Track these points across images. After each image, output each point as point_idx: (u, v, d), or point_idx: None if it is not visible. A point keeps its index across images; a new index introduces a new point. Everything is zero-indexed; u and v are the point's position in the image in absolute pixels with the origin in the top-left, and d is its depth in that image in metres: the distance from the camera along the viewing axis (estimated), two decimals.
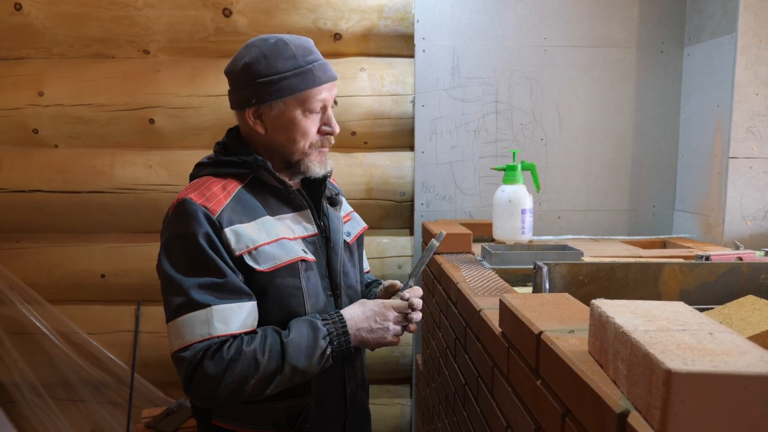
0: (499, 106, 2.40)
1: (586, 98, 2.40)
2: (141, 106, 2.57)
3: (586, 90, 2.39)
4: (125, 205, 2.59)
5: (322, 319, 1.25)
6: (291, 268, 1.26)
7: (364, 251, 1.62)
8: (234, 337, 1.18)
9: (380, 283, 1.53)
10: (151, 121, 2.57)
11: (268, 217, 1.29)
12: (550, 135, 2.41)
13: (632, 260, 1.51)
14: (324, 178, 1.38)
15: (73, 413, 2.70)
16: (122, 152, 2.63)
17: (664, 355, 0.54)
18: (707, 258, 1.49)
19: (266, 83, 1.27)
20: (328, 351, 1.22)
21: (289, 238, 1.29)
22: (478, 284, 1.45)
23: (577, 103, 2.40)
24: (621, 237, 2.34)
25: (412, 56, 2.43)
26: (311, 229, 1.35)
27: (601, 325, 0.70)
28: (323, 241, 1.37)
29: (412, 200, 2.52)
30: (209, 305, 1.17)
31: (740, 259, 1.52)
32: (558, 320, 0.89)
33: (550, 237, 2.33)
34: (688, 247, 2.08)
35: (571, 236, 2.34)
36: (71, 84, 2.58)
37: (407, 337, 2.67)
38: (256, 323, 1.24)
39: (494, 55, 2.37)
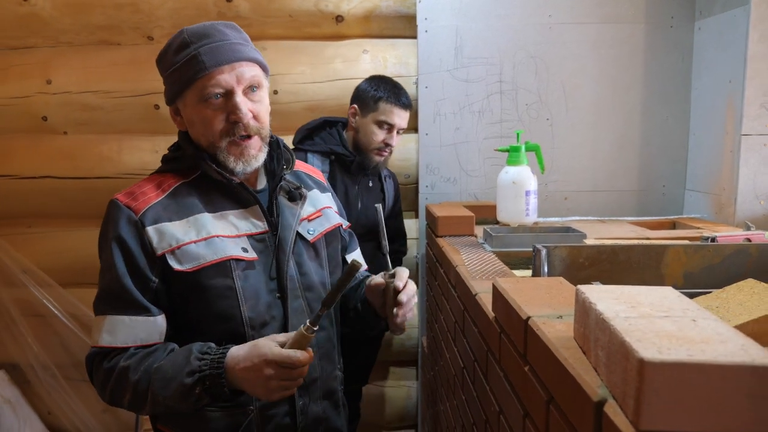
0: (503, 86, 2.36)
1: (593, 76, 2.35)
2: (146, 92, 2.58)
3: (593, 68, 2.34)
4: None
5: (202, 354, 1.14)
6: (220, 268, 1.20)
7: (357, 249, 1.57)
8: (121, 349, 1.16)
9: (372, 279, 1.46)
10: (156, 106, 2.58)
11: (205, 214, 1.23)
12: (556, 115, 2.37)
13: (635, 242, 1.48)
14: (274, 170, 1.33)
15: (85, 393, 2.76)
16: (129, 138, 2.64)
17: (639, 344, 0.53)
18: (713, 239, 1.46)
19: (166, 78, 1.25)
20: (197, 390, 1.11)
21: (224, 236, 1.22)
22: (477, 267, 1.43)
23: (584, 82, 2.35)
24: (629, 218, 2.31)
25: (415, 37, 2.40)
26: (260, 225, 1.27)
27: (584, 312, 0.69)
28: (274, 238, 1.29)
29: (417, 182, 2.51)
30: (104, 314, 1.18)
31: (748, 240, 1.49)
32: (548, 305, 0.88)
33: (557, 218, 2.30)
34: (698, 228, 2.04)
35: (577, 218, 2.31)
36: (78, 71, 2.60)
37: (413, 320, 2.67)
38: (154, 337, 1.19)
39: (498, 35, 2.33)
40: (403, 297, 1.27)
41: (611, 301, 0.66)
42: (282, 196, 1.33)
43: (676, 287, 1.41)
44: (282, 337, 1.15)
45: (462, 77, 2.37)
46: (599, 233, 1.95)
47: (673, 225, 2.22)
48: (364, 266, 1.56)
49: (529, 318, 0.83)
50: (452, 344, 1.58)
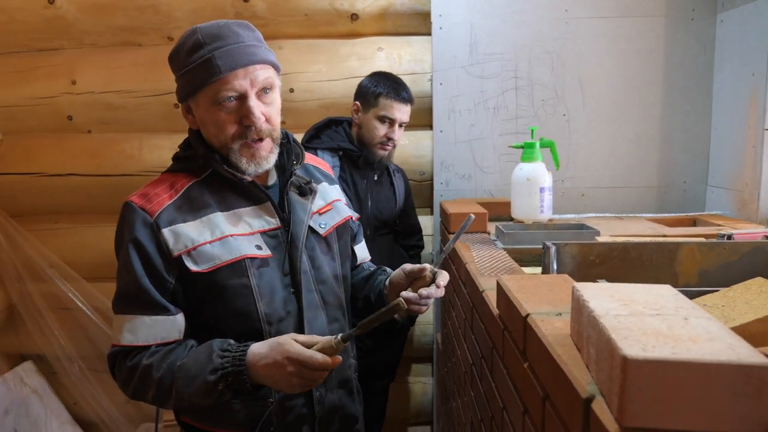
0: (518, 82, 2.34)
1: (612, 71, 2.32)
2: (166, 92, 2.62)
3: (611, 63, 2.31)
4: None
5: (223, 352, 1.16)
6: (235, 267, 1.21)
7: (362, 240, 1.58)
8: (142, 347, 1.19)
9: (385, 271, 1.48)
10: (176, 105, 2.62)
11: (218, 213, 1.24)
12: (572, 110, 2.35)
13: (647, 239, 1.47)
14: (284, 167, 1.34)
15: (109, 384, 2.82)
16: (149, 136, 2.69)
17: (624, 341, 0.53)
18: (729, 237, 1.44)
19: (179, 78, 1.25)
20: (220, 386, 1.14)
21: (237, 235, 1.23)
22: (487, 264, 1.43)
23: (602, 77, 2.32)
24: (649, 214, 2.28)
25: (429, 34, 2.40)
26: (273, 222, 1.28)
27: (578, 309, 0.69)
28: (287, 234, 1.29)
29: (432, 179, 2.51)
30: (124, 314, 1.20)
31: (767, 237, 1.46)
32: (549, 302, 0.88)
33: (573, 215, 2.28)
34: (719, 225, 2.00)
35: (594, 214, 2.29)
36: (101, 72, 2.65)
37: (428, 317, 2.67)
38: (175, 335, 1.21)
39: (513, 30, 2.31)
40: (423, 292, 1.25)
41: (605, 298, 0.66)
42: (293, 191, 1.33)
43: (689, 285, 1.41)
44: (302, 337, 1.16)
45: (477, 73, 2.36)
46: (615, 230, 1.92)
47: (694, 222, 2.19)
48: (368, 257, 1.58)
49: (528, 315, 0.83)
50: (462, 341, 1.58)
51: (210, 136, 1.24)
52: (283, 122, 2.63)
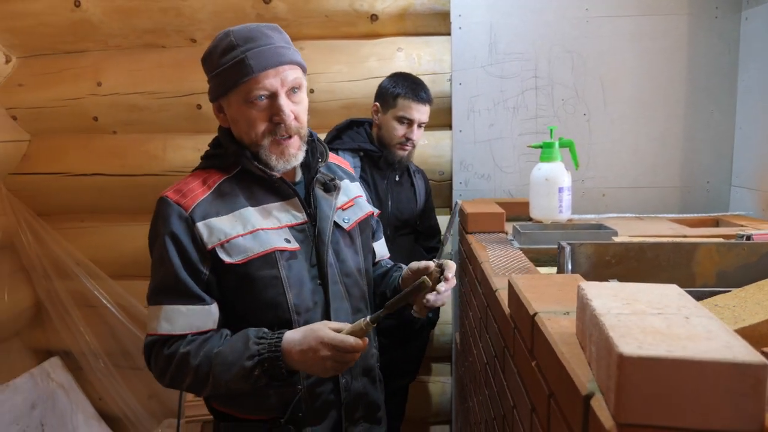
0: (538, 81, 2.33)
1: (634, 70, 2.29)
2: (189, 93, 2.66)
3: (633, 61, 2.28)
4: None
5: (259, 339, 1.21)
6: (266, 259, 1.26)
7: (382, 238, 1.62)
8: (179, 336, 1.22)
9: (400, 267, 1.51)
10: (199, 106, 2.66)
11: (249, 208, 1.29)
12: (593, 110, 2.33)
13: (664, 240, 1.45)
14: (309, 164, 1.38)
15: (132, 380, 2.90)
16: (173, 137, 2.74)
17: (622, 339, 0.53)
18: (748, 237, 1.42)
19: (212, 78, 1.30)
20: (256, 372, 1.19)
21: (267, 229, 1.28)
22: (502, 264, 1.43)
23: (624, 76, 2.30)
24: (670, 215, 2.25)
25: (449, 34, 2.40)
26: (300, 216, 1.33)
27: (582, 308, 0.69)
28: (313, 228, 1.34)
29: (451, 179, 2.51)
30: (161, 305, 1.24)
31: None
32: (558, 302, 0.88)
33: (593, 215, 2.26)
34: (742, 225, 1.97)
35: (615, 214, 2.27)
36: (126, 73, 2.71)
37: (446, 316, 2.67)
38: (210, 325, 1.26)
39: (533, 30, 2.30)
40: (441, 287, 1.29)
41: (609, 297, 0.66)
42: (318, 187, 1.38)
43: (706, 286, 1.39)
44: (335, 324, 1.21)
45: (496, 73, 2.36)
46: (634, 231, 1.91)
47: (716, 222, 2.16)
48: (386, 255, 1.63)
49: (536, 314, 0.84)
50: (478, 340, 1.58)
51: (241, 133, 1.29)
52: None
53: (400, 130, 2.15)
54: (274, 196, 1.33)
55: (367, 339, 1.18)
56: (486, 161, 2.43)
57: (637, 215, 2.25)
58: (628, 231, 1.89)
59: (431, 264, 1.34)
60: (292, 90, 1.28)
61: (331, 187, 1.40)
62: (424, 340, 2.49)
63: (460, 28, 2.35)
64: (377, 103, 2.21)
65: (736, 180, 2.30)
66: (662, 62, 2.28)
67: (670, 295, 0.67)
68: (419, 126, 2.18)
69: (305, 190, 1.38)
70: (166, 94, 2.68)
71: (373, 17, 2.52)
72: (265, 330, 1.24)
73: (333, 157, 1.57)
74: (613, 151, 2.36)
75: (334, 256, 1.36)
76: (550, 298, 0.90)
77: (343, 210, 1.42)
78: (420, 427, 2.89)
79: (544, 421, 0.77)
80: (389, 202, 2.22)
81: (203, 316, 1.25)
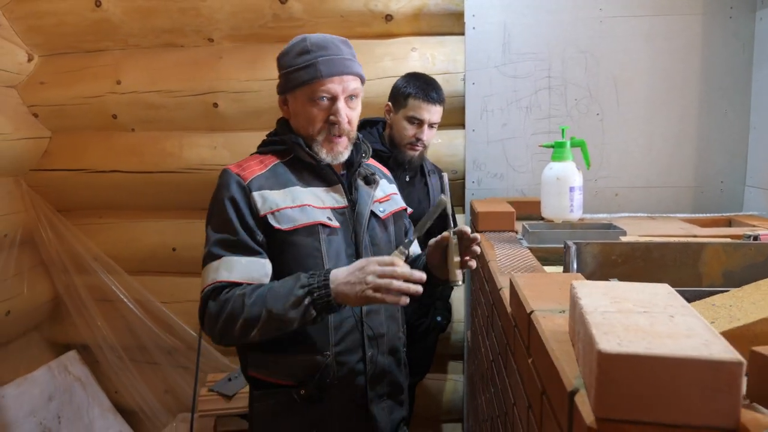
0: (552, 81, 2.33)
1: (647, 70, 2.28)
2: (206, 91, 2.70)
3: (646, 61, 2.28)
4: (193, 184, 2.75)
5: (310, 274, 1.32)
6: (310, 230, 1.41)
7: (412, 234, 1.63)
8: (235, 284, 1.36)
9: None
10: (215, 105, 2.70)
11: (298, 187, 1.45)
12: (607, 110, 2.33)
13: (672, 240, 1.45)
14: (352, 161, 1.53)
15: (148, 375, 2.94)
16: (189, 135, 2.79)
17: (603, 336, 0.55)
18: (756, 238, 1.42)
19: (285, 75, 1.48)
20: (306, 301, 1.28)
21: (314, 206, 1.43)
22: (508, 263, 1.45)
23: (637, 76, 2.29)
24: (683, 215, 2.24)
25: (463, 34, 2.41)
26: (342, 201, 1.49)
27: (573, 306, 0.71)
28: (352, 212, 1.49)
29: (464, 178, 2.52)
30: (221, 257, 1.38)
31: None
32: (555, 300, 0.90)
33: (605, 215, 2.26)
34: (754, 226, 1.96)
35: (627, 214, 2.26)
36: (145, 72, 2.76)
37: (459, 314, 2.69)
38: (264, 278, 1.38)
39: (546, 30, 2.31)
40: (472, 236, 1.34)
41: (598, 296, 0.68)
42: (360, 180, 1.54)
43: (713, 286, 1.39)
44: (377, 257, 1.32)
45: (510, 73, 2.36)
46: (645, 230, 1.90)
47: (729, 222, 2.14)
48: (418, 251, 1.68)
49: (532, 311, 0.85)
50: (485, 339, 1.60)
51: (299, 126, 1.48)
52: None
53: (410, 130, 2.15)
54: (321, 181, 1.49)
55: (405, 265, 1.27)
56: (499, 160, 2.43)
57: (650, 215, 2.24)
58: (639, 231, 1.89)
59: (446, 234, 1.40)
60: (350, 97, 1.46)
61: (371, 181, 1.57)
62: (430, 342, 2.48)
63: (473, 28, 2.36)
64: (389, 103, 2.23)
65: (750, 180, 2.28)
66: (676, 62, 2.27)
67: (659, 294, 0.69)
68: (430, 126, 2.18)
69: (347, 181, 1.53)
70: (183, 92, 2.72)
71: (388, 17, 2.54)
72: (315, 270, 1.36)
73: (375, 162, 1.75)
74: (627, 151, 2.35)
75: (369, 239, 1.51)
76: (548, 297, 0.91)
77: (381, 203, 1.59)
78: (433, 424, 2.91)
79: (538, 417, 0.79)
80: None
81: (259, 267, 1.39)
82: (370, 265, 1.26)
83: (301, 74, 1.42)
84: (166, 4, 2.63)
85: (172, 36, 2.74)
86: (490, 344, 1.48)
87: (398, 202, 1.67)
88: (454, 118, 2.53)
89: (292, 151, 1.49)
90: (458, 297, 2.73)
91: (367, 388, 1.47)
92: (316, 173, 1.49)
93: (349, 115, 1.46)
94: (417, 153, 2.20)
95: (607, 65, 2.30)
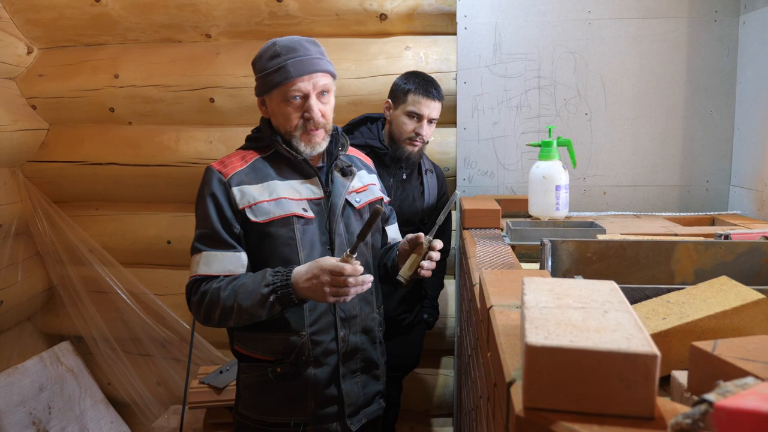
0: (541, 81, 2.36)
1: (634, 71, 2.31)
2: (203, 87, 2.74)
3: (633, 63, 2.31)
4: (188, 178, 2.79)
5: (275, 272, 1.46)
6: (285, 221, 1.53)
7: (395, 224, 1.86)
8: (213, 277, 1.50)
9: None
10: (212, 100, 2.74)
11: (276, 180, 1.56)
12: (595, 109, 2.36)
13: (644, 238, 1.48)
14: (331, 153, 1.64)
15: (141, 366, 2.97)
16: (186, 129, 2.82)
17: (534, 330, 0.59)
18: (726, 237, 1.45)
19: (259, 78, 1.59)
20: (271, 298, 1.43)
21: (290, 198, 1.54)
22: (487, 259, 1.48)
23: (624, 77, 2.32)
24: (669, 213, 2.27)
25: (455, 34, 2.44)
26: (318, 192, 1.60)
27: (521, 301, 0.74)
28: (328, 203, 1.60)
29: (456, 176, 2.55)
30: (201, 251, 1.52)
31: (766, 238, 1.46)
32: (516, 296, 0.93)
33: (592, 213, 2.29)
34: (735, 225, 1.99)
35: (613, 212, 2.29)
36: (142, 67, 2.79)
37: (451, 310, 2.73)
38: (239, 269, 1.52)
39: (537, 31, 2.34)
40: (425, 263, 1.53)
41: (543, 292, 0.72)
42: (336, 172, 1.65)
43: (685, 283, 1.42)
44: (333, 258, 1.44)
45: (500, 73, 2.40)
46: (628, 228, 1.94)
47: (712, 221, 2.18)
48: (399, 239, 1.83)
49: (491, 307, 0.89)
50: (466, 333, 1.64)
51: (278, 124, 1.59)
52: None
53: (409, 125, 2.19)
54: (298, 174, 1.60)
55: (359, 266, 1.40)
56: (489, 158, 2.47)
57: (635, 213, 2.28)
58: (622, 229, 1.92)
59: (422, 234, 1.57)
60: (322, 93, 1.57)
61: (347, 172, 1.67)
62: (416, 338, 2.50)
63: (465, 28, 2.39)
64: (389, 100, 2.26)
65: (734, 179, 2.31)
66: (662, 64, 2.30)
67: (602, 291, 0.72)
68: (429, 122, 2.21)
69: (326, 174, 1.64)
70: (180, 87, 2.76)
71: (382, 16, 2.57)
72: (280, 267, 1.49)
73: (356, 151, 1.85)
74: (614, 151, 2.38)
75: (344, 228, 1.61)
76: (510, 293, 0.95)
77: (357, 193, 1.68)
78: (424, 418, 2.95)
79: (492, 408, 0.83)
80: (391, 200, 2.27)
81: (234, 260, 1.52)
82: (324, 275, 1.39)
83: (274, 77, 1.53)
84: (165, 0, 2.66)
85: (171, 31, 2.77)
86: (469, 339, 1.52)
87: (375, 192, 1.75)
88: (446, 117, 2.55)
89: (273, 147, 1.60)
90: (450, 293, 2.77)
91: (340, 365, 1.59)
92: (294, 167, 1.60)
93: (322, 109, 1.57)
94: (416, 149, 2.22)
95: (595, 66, 2.33)
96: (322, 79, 1.56)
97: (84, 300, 2.91)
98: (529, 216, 2.08)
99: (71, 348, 3.02)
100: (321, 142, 1.59)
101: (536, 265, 1.62)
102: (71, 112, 2.87)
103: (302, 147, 1.57)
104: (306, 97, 1.54)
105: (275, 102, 1.57)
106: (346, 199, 1.63)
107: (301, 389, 1.57)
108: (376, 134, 2.28)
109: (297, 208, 1.54)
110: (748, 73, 2.19)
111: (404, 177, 2.30)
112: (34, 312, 3.05)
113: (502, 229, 1.95)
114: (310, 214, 1.56)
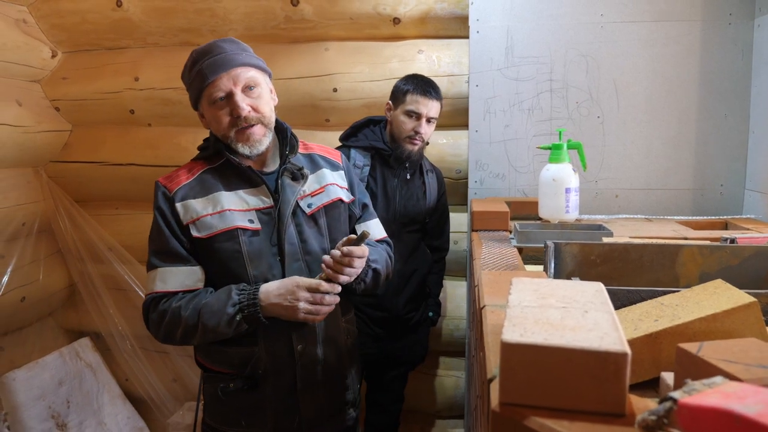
0: (553, 84, 2.37)
1: (647, 74, 2.30)
2: None
3: (646, 66, 2.30)
4: None
5: (240, 290, 1.43)
6: (229, 235, 1.47)
7: (373, 219, 1.77)
8: (171, 294, 1.46)
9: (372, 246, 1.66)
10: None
11: (223, 192, 1.50)
12: (607, 112, 2.35)
13: (650, 241, 1.48)
14: (284, 158, 1.57)
15: (157, 363, 3.03)
16: (203, 130, 2.82)
17: (511, 328, 0.60)
18: (732, 240, 1.44)
19: (188, 91, 1.57)
20: (238, 318, 1.41)
21: (234, 210, 1.48)
22: (491, 261, 1.50)
23: (637, 80, 2.32)
24: (682, 217, 2.26)
25: (468, 37, 2.46)
26: (267, 201, 1.52)
27: (507, 301, 0.76)
28: (278, 212, 1.52)
29: (467, 178, 2.56)
30: (156, 267, 1.49)
31: None
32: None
33: (604, 216, 2.29)
34: (748, 229, 1.97)
35: (625, 215, 2.29)
36: (162, 70, 2.86)
37: (461, 311, 2.74)
38: (198, 283, 1.49)
39: (549, 34, 2.34)
40: (343, 249, 1.46)
41: (528, 292, 0.73)
42: (286, 176, 1.56)
43: (690, 287, 1.42)
44: (305, 279, 1.44)
45: (512, 76, 2.40)
46: (638, 232, 1.93)
47: (725, 225, 2.16)
48: (381, 235, 1.77)
49: (484, 306, 0.91)
50: (473, 333, 1.65)
51: (216, 131, 1.53)
52: (327, 120, 2.75)
53: (408, 123, 2.23)
54: (246, 184, 1.53)
55: (336, 296, 1.42)
56: (501, 161, 2.47)
57: (647, 216, 2.27)
58: (633, 232, 1.92)
59: (353, 236, 1.51)
60: (248, 87, 1.49)
61: (298, 176, 1.57)
62: (421, 335, 2.53)
63: (477, 32, 2.41)
64: (390, 102, 2.30)
65: (749, 183, 2.29)
66: (675, 67, 2.29)
67: (586, 292, 0.74)
68: (428, 121, 2.25)
69: (276, 180, 1.56)
70: None
71: (396, 20, 2.60)
72: (246, 284, 1.46)
73: (320, 148, 1.74)
74: (626, 154, 2.37)
75: (297, 236, 1.54)
76: (505, 294, 0.97)
77: (311, 196, 1.59)
78: (433, 420, 2.96)
79: (483, 406, 0.85)
80: (397, 199, 2.30)
81: (191, 275, 1.48)
82: (300, 291, 1.39)
83: (195, 84, 1.50)
84: (183, 4, 2.72)
85: (189, 35, 2.83)
86: (473, 339, 1.53)
87: (332, 194, 1.62)
88: (458, 119, 2.58)
89: (222, 155, 1.53)
90: (462, 295, 2.79)
91: (297, 378, 1.54)
92: (241, 176, 1.52)
93: (252, 103, 1.49)
94: (416, 147, 2.26)
95: (607, 69, 2.33)
96: (244, 73, 1.48)
97: (103, 297, 2.97)
98: (540, 219, 2.08)
99: (90, 344, 3.09)
100: (262, 138, 1.51)
101: (541, 267, 1.63)
102: (93, 114, 2.94)
103: (241, 148, 1.49)
104: (230, 95, 1.46)
105: (206, 109, 1.51)
106: (298, 205, 1.55)
107: (260, 402, 1.54)
108: (380, 136, 2.32)
109: (242, 220, 1.48)
110: (763, 76, 2.16)
111: (408, 177, 2.33)
112: (55, 308, 3.13)
113: (510, 232, 1.96)
114: (257, 225, 1.49)
